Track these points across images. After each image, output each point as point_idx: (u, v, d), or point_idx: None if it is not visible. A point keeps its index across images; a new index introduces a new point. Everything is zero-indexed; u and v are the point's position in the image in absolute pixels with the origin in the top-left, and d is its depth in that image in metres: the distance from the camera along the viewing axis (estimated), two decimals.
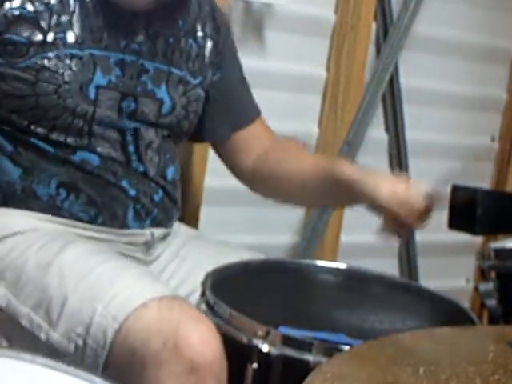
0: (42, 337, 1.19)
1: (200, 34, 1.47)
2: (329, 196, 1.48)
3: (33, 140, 1.32)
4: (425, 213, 1.33)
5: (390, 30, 2.28)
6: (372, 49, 2.28)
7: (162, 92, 1.39)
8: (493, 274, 1.52)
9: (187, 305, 1.19)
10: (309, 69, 2.21)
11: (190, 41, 1.45)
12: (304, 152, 1.59)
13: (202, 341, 1.11)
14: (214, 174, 1.98)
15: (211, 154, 1.95)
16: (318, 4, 2.17)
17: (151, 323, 1.13)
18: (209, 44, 1.48)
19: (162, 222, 1.43)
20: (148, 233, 1.40)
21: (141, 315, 1.14)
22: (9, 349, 1.17)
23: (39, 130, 1.31)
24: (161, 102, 1.39)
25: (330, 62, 2.22)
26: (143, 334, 1.12)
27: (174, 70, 1.41)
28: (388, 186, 1.33)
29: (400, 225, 1.34)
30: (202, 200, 1.99)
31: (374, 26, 2.26)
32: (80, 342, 1.16)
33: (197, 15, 1.47)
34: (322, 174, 1.43)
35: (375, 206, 1.34)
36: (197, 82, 1.45)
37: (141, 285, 1.21)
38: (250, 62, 2.07)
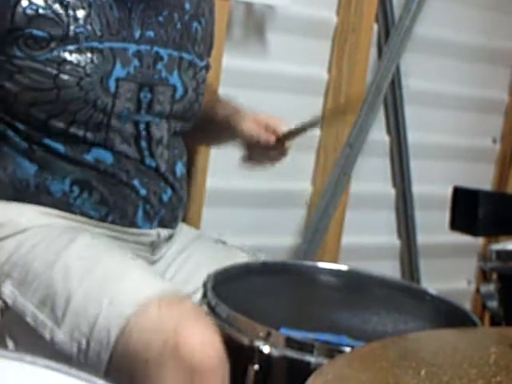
0: (47, 335, 1.19)
1: (206, 14, 1.49)
2: (209, 134, 1.63)
3: (46, 140, 1.32)
4: (282, 143, 1.50)
5: (391, 31, 2.28)
6: (374, 50, 2.28)
7: (174, 78, 1.40)
8: (494, 276, 1.52)
9: (187, 303, 1.19)
10: (310, 70, 2.21)
11: (195, 24, 1.47)
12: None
13: (202, 340, 1.12)
14: (216, 175, 1.98)
15: (213, 155, 1.96)
16: (320, 5, 2.17)
17: (152, 324, 1.13)
18: (209, 27, 1.51)
19: (169, 222, 1.43)
20: (154, 233, 1.41)
21: (142, 316, 1.14)
22: (10, 351, 1.18)
23: (58, 124, 1.31)
24: (174, 88, 1.40)
25: (332, 64, 2.22)
26: (144, 336, 1.13)
27: (184, 55, 1.43)
28: (250, 118, 1.51)
29: (262, 152, 1.52)
30: (204, 201, 2.00)
31: (375, 27, 2.26)
32: (83, 342, 1.16)
33: None
34: (205, 114, 1.54)
35: (240, 137, 1.52)
36: (203, 64, 1.48)
37: (142, 283, 1.21)
38: (251, 63, 2.09)
